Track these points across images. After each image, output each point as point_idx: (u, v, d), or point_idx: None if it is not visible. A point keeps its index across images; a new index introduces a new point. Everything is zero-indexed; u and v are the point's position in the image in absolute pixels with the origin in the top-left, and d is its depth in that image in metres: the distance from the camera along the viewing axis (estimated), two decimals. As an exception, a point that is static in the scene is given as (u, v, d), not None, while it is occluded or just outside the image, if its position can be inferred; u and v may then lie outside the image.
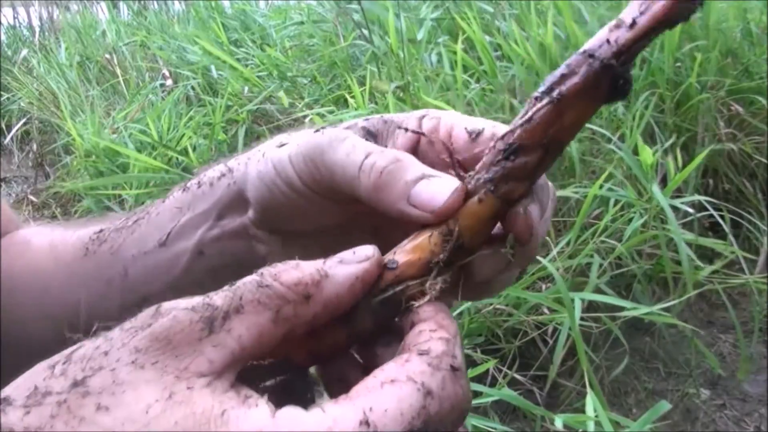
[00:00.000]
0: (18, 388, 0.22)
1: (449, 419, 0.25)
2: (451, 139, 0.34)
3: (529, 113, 0.29)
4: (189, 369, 0.23)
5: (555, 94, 0.29)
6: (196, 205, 0.39)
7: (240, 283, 0.26)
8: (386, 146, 0.36)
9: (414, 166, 0.31)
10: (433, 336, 0.27)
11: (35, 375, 0.23)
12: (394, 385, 0.25)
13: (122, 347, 0.23)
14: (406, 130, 0.36)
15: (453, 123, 0.35)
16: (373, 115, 0.37)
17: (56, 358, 0.23)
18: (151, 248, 0.40)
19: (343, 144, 0.33)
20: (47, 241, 0.46)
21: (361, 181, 0.31)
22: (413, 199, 0.30)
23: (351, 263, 0.28)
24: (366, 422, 0.23)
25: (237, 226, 0.39)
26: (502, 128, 0.33)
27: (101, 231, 0.44)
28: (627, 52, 0.28)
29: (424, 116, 0.36)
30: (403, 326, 0.29)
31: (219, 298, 0.25)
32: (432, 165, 0.33)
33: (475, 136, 0.33)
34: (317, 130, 0.35)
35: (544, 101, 0.29)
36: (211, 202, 0.39)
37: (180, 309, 0.24)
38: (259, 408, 0.23)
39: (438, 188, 0.30)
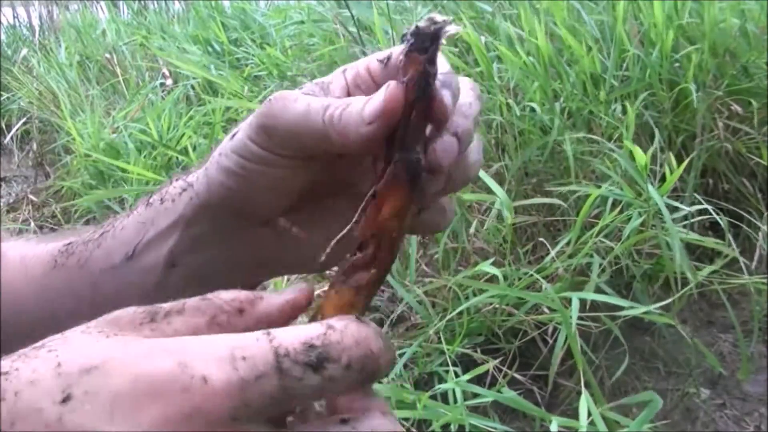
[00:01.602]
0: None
1: (355, 353, 0.26)
2: (371, 74, 0.37)
3: (359, 211, 0.33)
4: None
5: (372, 191, 0.32)
6: (159, 221, 0.40)
7: (185, 299, 0.28)
8: None
9: (359, 99, 0.33)
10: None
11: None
12: (301, 324, 0.27)
13: (76, 328, 0.26)
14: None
15: (367, 62, 0.37)
16: (308, 83, 0.38)
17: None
18: (118, 263, 0.41)
19: (297, 104, 0.35)
20: (18, 255, 0.46)
21: (328, 132, 0.33)
22: (367, 118, 0.32)
23: (285, 292, 0.31)
24: (267, 333, 0.25)
25: (208, 232, 0.39)
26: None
27: (70, 243, 0.44)
28: (402, 141, 0.32)
29: (345, 69, 0.38)
30: None
31: (165, 304, 0.28)
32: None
33: (386, 61, 0.36)
34: (266, 102, 0.37)
35: (367, 198, 0.33)
36: (174, 217, 0.40)
37: (129, 308, 0.27)
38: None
39: (378, 96, 0.32)
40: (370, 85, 0.36)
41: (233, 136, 0.38)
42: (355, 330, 0.27)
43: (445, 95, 0.32)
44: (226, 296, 0.29)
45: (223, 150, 0.38)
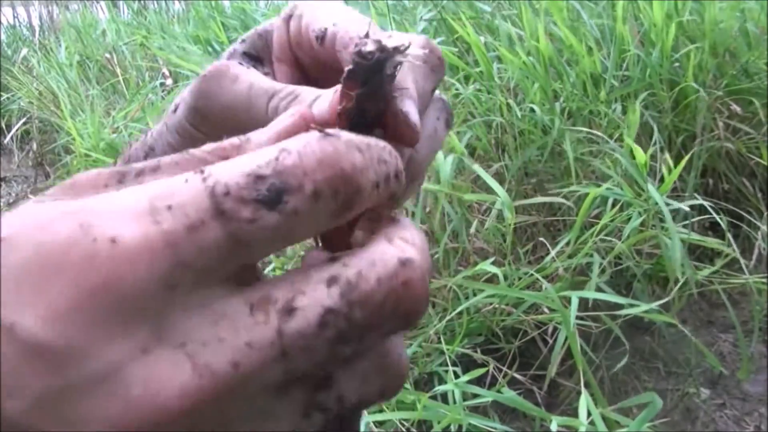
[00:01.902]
0: None
1: (319, 175, 0.19)
2: (310, 42, 0.31)
3: None
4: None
5: None
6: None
7: (163, 156, 0.23)
8: (271, 62, 0.33)
9: (308, 94, 0.28)
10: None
11: None
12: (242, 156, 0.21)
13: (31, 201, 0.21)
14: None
15: (307, 24, 0.31)
16: (248, 33, 0.33)
17: None
18: None
19: (237, 85, 0.29)
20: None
21: (270, 119, 0.27)
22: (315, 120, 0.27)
23: (275, 123, 0.24)
24: (201, 171, 0.19)
25: None
26: (341, 26, 0.29)
27: None
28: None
29: (290, 15, 0.32)
30: None
31: (139, 164, 0.22)
32: (309, 69, 0.32)
33: (320, 40, 0.29)
34: (200, 78, 0.31)
35: None
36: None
37: (93, 170, 0.22)
38: None
39: (324, 101, 0.26)
40: (310, 55, 0.31)
41: (175, 109, 0.33)
42: (317, 147, 0.20)
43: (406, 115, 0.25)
44: (207, 147, 0.23)
45: (168, 122, 0.33)
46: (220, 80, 0.30)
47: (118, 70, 3.28)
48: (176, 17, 4.42)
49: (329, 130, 0.21)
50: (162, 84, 3.09)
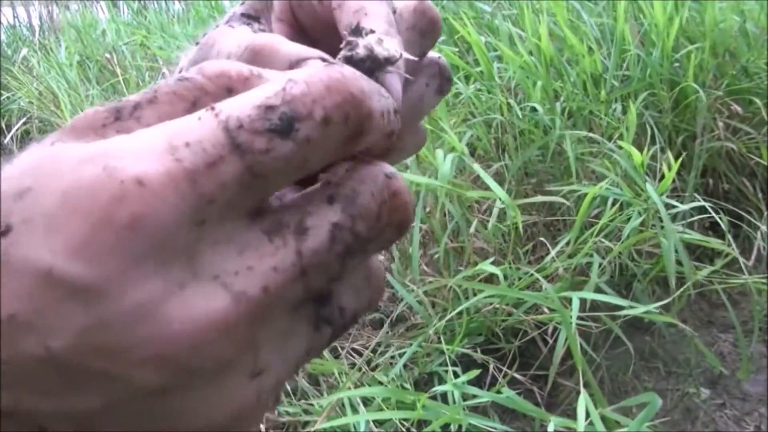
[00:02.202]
0: None
1: (330, 102, 0.20)
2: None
3: None
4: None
5: None
6: None
7: (159, 83, 0.22)
8: (270, 21, 0.32)
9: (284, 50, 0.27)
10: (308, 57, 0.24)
11: None
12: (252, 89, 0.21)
13: (35, 144, 0.21)
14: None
15: None
16: None
17: None
18: None
19: (212, 51, 0.29)
20: None
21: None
22: None
23: (297, 49, 0.24)
24: (212, 108, 0.20)
25: None
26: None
27: None
28: None
29: None
30: None
31: (134, 96, 0.22)
32: (309, 29, 0.31)
33: None
34: (197, 41, 0.31)
35: None
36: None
37: (89, 109, 0.22)
38: None
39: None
40: (310, 14, 0.30)
41: (180, 72, 0.31)
42: (324, 74, 0.20)
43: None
44: (210, 70, 0.22)
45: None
46: (205, 48, 0.29)
47: (118, 70, 3.28)
48: (176, 17, 4.42)
49: (330, 59, 0.21)
50: (162, 84, 3.09)
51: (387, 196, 0.22)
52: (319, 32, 0.31)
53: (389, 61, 0.23)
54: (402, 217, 0.22)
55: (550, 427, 1.06)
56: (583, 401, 1.07)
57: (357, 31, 0.25)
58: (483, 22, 2.18)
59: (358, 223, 0.21)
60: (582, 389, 1.09)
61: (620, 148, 1.56)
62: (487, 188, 1.44)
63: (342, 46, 0.24)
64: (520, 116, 1.72)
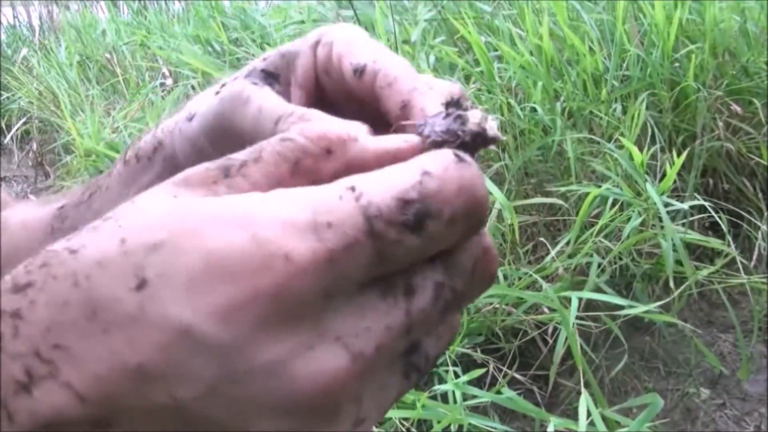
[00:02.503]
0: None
1: (458, 203, 0.22)
2: (342, 71, 0.32)
3: None
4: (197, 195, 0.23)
5: None
6: (140, 179, 0.38)
7: (263, 142, 0.24)
8: (290, 82, 0.34)
9: (319, 118, 0.29)
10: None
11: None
12: (391, 167, 0.23)
13: (141, 195, 0.23)
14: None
15: (341, 54, 0.32)
16: (272, 51, 0.35)
17: None
18: None
19: (247, 107, 0.31)
20: (20, 221, 0.45)
21: None
22: None
23: (387, 140, 0.26)
24: (351, 188, 0.21)
25: None
26: (383, 64, 0.30)
27: (62, 207, 0.43)
28: None
29: (318, 42, 0.33)
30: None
31: (240, 154, 0.24)
32: (331, 95, 0.32)
33: (359, 74, 0.31)
34: (218, 92, 0.33)
35: None
36: (153, 175, 0.37)
37: (200, 166, 0.24)
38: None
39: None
40: (337, 82, 0.32)
41: (191, 117, 0.34)
42: (456, 174, 0.22)
43: None
44: (311, 132, 0.24)
45: (183, 129, 0.34)
46: (234, 102, 0.31)
47: (118, 70, 3.28)
48: (176, 17, 4.42)
49: (461, 154, 0.23)
50: (162, 84, 3.09)
51: (479, 253, 0.24)
52: (341, 100, 0.32)
53: (495, 140, 0.25)
54: (491, 272, 0.24)
55: (550, 428, 1.06)
56: (584, 401, 1.07)
57: (457, 104, 0.26)
58: (483, 22, 2.18)
59: (457, 281, 0.23)
60: (583, 389, 1.09)
61: (621, 148, 1.56)
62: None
63: (443, 114, 0.25)
64: (521, 116, 1.72)
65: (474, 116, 0.25)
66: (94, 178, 0.42)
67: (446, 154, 0.22)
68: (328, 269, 0.20)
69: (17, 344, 0.20)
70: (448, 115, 0.25)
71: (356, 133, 0.25)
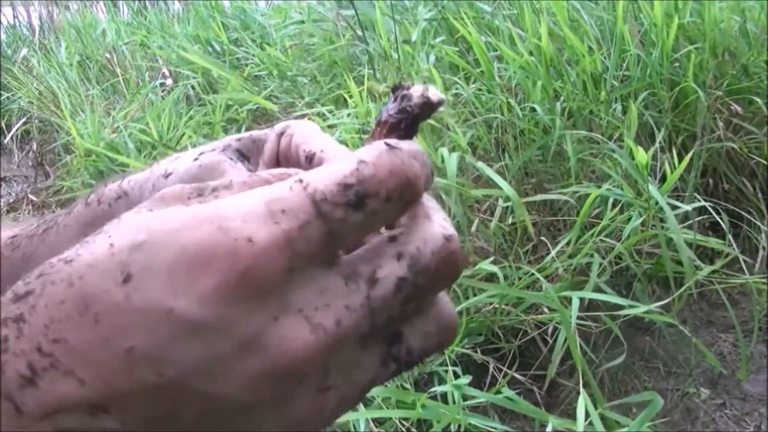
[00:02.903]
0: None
1: (390, 183, 0.26)
2: (297, 157, 0.38)
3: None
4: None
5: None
6: (99, 223, 0.41)
7: (232, 176, 0.29)
8: (257, 163, 0.40)
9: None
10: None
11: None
12: (331, 163, 0.26)
13: (127, 213, 0.26)
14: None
15: (297, 143, 0.38)
16: (245, 134, 0.40)
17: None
18: None
19: (222, 178, 0.36)
20: None
21: None
22: None
23: (333, 162, 0.30)
24: (299, 180, 0.25)
25: None
26: (328, 153, 0.36)
27: (15, 237, 0.45)
28: None
29: (282, 133, 0.39)
30: None
31: (213, 182, 0.28)
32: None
33: (309, 160, 0.37)
34: (196, 158, 0.38)
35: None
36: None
37: (177, 185, 0.27)
38: None
39: None
40: (294, 165, 0.37)
41: (167, 175, 0.39)
42: (388, 160, 0.26)
43: None
44: (274, 171, 0.29)
45: (157, 186, 0.39)
46: (211, 172, 0.37)
47: (118, 70, 3.28)
48: (176, 17, 4.42)
49: (392, 142, 0.27)
50: (162, 84, 3.09)
51: (445, 255, 0.27)
52: None
53: (441, 103, 0.29)
54: (454, 272, 0.28)
55: (549, 428, 1.06)
56: (582, 401, 1.07)
57: (400, 87, 0.30)
58: (483, 22, 2.18)
59: (419, 278, 0.26)
60: (582, 389, 1.09)
61: (622, 147, 1.55)
62: (490, 187, 1.44)
63: (392, 99, 0.30)
64: (521, 116, 1.72)
65: (416, 91, 0.29)
66: (51, 215, 0.45)
67: (379, 145, 0.26)
68: (286, 247, 0.24)
69: (20, 343, 0.23)
70: (396, 98, 0.30)
71: (306, 171, 0.28)
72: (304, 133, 0.38)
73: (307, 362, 0.24)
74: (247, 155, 0.40)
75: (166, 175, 0.39)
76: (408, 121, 0.29)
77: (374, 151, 0.26)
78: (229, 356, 0.23)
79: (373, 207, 0.25)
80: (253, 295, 0.23)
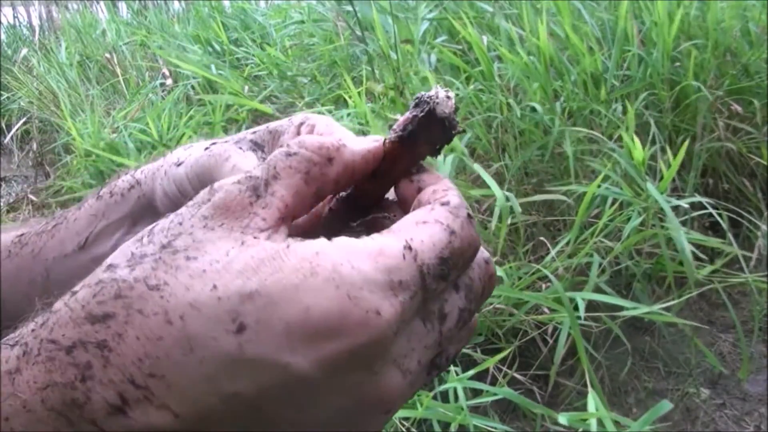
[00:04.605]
0: (116, 257, 0.27)
1: (468, 254, 0.30)
2: None
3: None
4: (250, 226, 0.27)
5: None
6: (110, 214, 0.43)
7: (271, 155, 0.30)
8: (272, 152, 0.42)
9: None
10: (447, 193, 0.32)
11: (127, 247, 0.27)
12: (427, 225, 0.29)
13: (192, 218, 0.27)
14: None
15: (321, 134, 0.39)
16: (261, 126, 0.42)
17: (140, 234, 0.28)
18: (70, 252, 0.43)
19: (226, 164, 0.39)
20: None
21: None
22: None
23: (364, 141, 0.33)
24: (409, 248, 0.27)
25: None
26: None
27: (22, 235, 0.46)
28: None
29: (302, 124, 0.41)
30: (405, 194, 0.34)
31: (257, 170, 0.29)
32: None
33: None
34: (207, 147, 0.40)
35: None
36: (124, 211, 0.43)
37: (229, 184, 0.29)
38: (318, 239, 0.28)
39: None
40: None
41: (179, 163, 0.40)
42: (468, 232, 0.30)
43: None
44: (312, 144, 0.30)
45: (169, 173, 0.40)
46: (218, 158, 0.39)
47: (118, 70, 3.28)
48: (176, 17, 4.42)
49: (470, 211, 0.31)
50: (162, 84, 3.09)
51: (486, 279, 0.31)
52: None
53: (452, 113, 0.32)
54: (492, 290, 0.32)
55: (563, 421, 1.06)
56: (592, 400, 1.07)
57: (432, 110, 0.32)
58: (484, 22, 2.18)
59: (473, 304, 0.30)
60: (590, 389, 1.09)
61: (621, 147, 1.55)
62: (489, 187, 1.44)
63: (415, 109, 0.32)
64: (520, 116, 1.72)
65: (440, 94, 0.32)
66: (60, 212, 0.47)
67: (461, 211, 0.30)
68: (402, 316, 0.27)
69: (108, 373, 0.23)
70: (422, 114, 0.32)
71: (342, 139, 0.31)
72: (328, 123, 0.40)
73: (393, 401, 0.27)
74: (261, 145, 0.41)
75: (178, 164, 0.40)
76: (452, 139, 0.33)
77: (458, 220, 0.30)
78: (327, 398, 0.26)
79: (454, 276, 0.29)
80: (368, 360, 0.26)
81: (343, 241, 0.28)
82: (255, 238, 0.27)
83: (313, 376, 0.25)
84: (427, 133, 0.32)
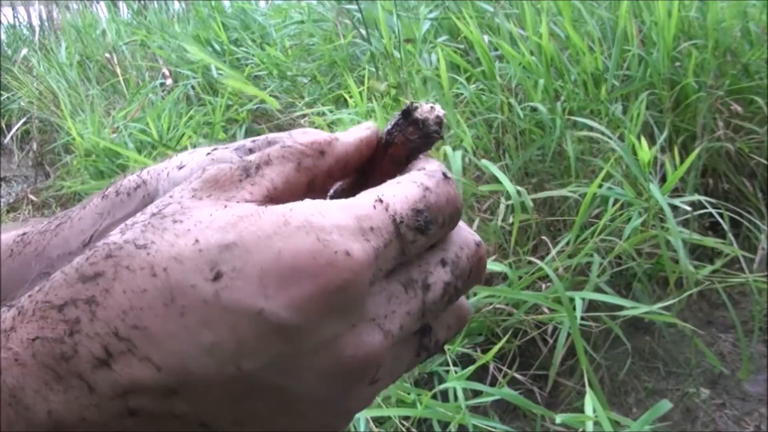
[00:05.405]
0: (112, 232, 0.28)
1: (446, 211, 0.30)
2: None
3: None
4: (235, 197, 0.28)
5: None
6: (115, 212, 0.43)
7: (268, 148, 0.31)
8: None
9: None
10: (427, 162, 0.33)
11: (122, 221, 0.29)
12: (400, 184, 0.30)
13: (182, 190, 0.29)
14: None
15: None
16: (260, 136, 0.42)
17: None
18: (75, 249, 0.43)
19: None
20: None
21: None
22: None
23: (355, 131, 0.34)
24: (380, 200, 0.28)
25: None
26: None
27: (24, 234, 0.46)
28: None
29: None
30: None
31: (252, 156, 0.31)
32: None
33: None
34: (209, 152, 0.40)
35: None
36: (129, 209, 0.42)
37: (222, 164, 0.30)
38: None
39: None
40: None
41: (182, 167, 0.41)
42: (445, 189, 0.30)
43: None
44: (305, 140, 0.32)
45: (171, 175, 0.41)
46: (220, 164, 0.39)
47: (118, 70, 3.28)
48: (176, 17, 4.42)
49: (447, 172, 0.31)
50: (162, 84, 3.09)
51: (476, 260, 0.31)
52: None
53: (439, 122, 0.33)
54: (482, 274, 0.32)
55: (558, 419, 1.06)
56: (590, 400, 1.07)
57: (409, 110, 0.33)
58: (485, 22, 2.18)
59: (459, 281, 0.30)
60: (588, 389, 1.09)
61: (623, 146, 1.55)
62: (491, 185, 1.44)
63: (400, 118, 0.33)
64: (521, 116, 1.72)
65: (430, 114, 0.32)
66: (63, 211, 0.47)
67: (437, 173, 0.30)
68: (375, 262, 0.27)
69: (94, 326, 0.24)
70: (411, 121, 0.33)
71: (335, 135, 0.32)
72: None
73: (375, 363, 0.27)
74: None
75: (180, 167, 0.41)
76: (429, 143, 0.33)
77: (433, 179, 0.30)
78: (307, 355, 0.25)
79: (433, 231, 0.29)
80: (342, 304, 0.26)
81: (317, 200, 0.28)
82: (238, 202, 0.28)
83: (287, 322, 0.25)
84: (403, 133, 0.33)
